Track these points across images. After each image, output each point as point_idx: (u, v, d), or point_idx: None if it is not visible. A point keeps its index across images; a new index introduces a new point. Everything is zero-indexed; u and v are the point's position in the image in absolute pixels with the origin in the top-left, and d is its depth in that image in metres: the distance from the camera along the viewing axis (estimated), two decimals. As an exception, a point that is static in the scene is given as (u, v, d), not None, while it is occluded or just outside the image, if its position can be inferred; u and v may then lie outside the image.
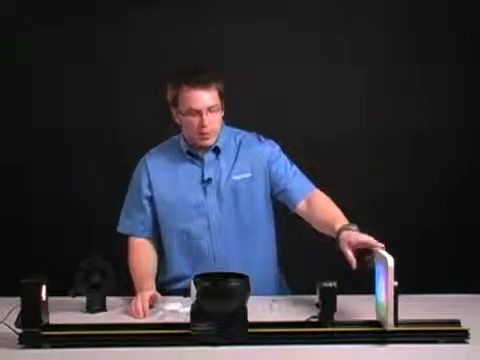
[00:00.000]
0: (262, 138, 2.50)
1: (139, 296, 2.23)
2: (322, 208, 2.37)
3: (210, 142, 2.40)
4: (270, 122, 3.03)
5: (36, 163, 3.45)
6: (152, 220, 2.48)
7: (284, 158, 2.48)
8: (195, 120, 2.33)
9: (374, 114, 3.44)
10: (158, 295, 2.31)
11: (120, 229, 2.52)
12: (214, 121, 2.36)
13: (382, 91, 3.44)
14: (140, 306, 2.18)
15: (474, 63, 3.42)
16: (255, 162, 2.44)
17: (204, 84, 2.31)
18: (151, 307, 2.22)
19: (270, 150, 2.47)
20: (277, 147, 2.50)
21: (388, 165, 3.44)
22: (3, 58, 3.42)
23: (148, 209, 2.47)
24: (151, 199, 2.46)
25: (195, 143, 2.41)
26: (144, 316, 2.16)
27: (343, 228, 2.17)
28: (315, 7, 3.40)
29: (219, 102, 2.36)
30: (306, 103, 3.39)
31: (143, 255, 2.47)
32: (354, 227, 2.18)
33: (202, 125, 2.33)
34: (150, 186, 2.46)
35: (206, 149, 2.42)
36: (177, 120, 2.41)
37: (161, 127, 2.66)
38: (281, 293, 2.47)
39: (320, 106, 3.42)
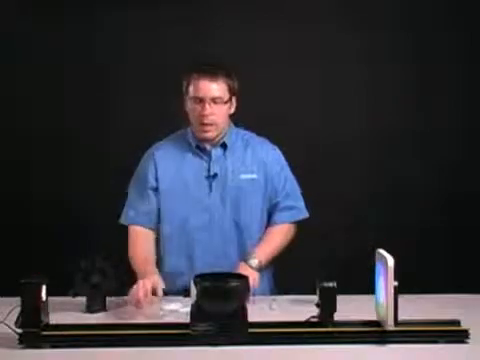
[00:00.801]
0: (269, 143, 2.51)
1: (140, 283, 2.16)
2: (267, 234, 2.45)
3: (210, 135, 2.40)
4: (270, 122, 3.03)
5: (36, 163, 3.45)
6: (156, 212, 2.45)
7: (284, 174, 2.48)
8: (198, 108, 2.34)
9: (374, 114, 3.44)
10: (161, 282, 2.22)
11: (123, 220, 2.48)
12: (217, 113, 2.36)
13: (382, 91, 3.44)
14: (141, 294, 2.12)
15: (474, 63, 3.42)
16: (261, 164, 2.45)
17: (212, 74, 2.35)
18: (154, 294, 2.16)
19: (272, 158, 2.47)
20: (278, 151, 2.51)
21: (388, 165, 3.44)
22: (3, 58, 3.42)
23: (153, 200, 2.44)
24: (156, 190, 2.44)
25: (197, 135, 2.41)
26: (148, 302, 2.11)
27: (243, 260, 2.35)
28: (315, 7, 3.40)
29: (226, 96, 2.36)
30: (306, 103, 3.39)
31: (145, 241, 2.43)
32: (251, 262, 2.34)
33: (202, 114, 2.34)
34: (156, 177, 2.44)
35: (213, 144, 2.43)
36: (186, 108, 2.41)
37: (161, 127, 2.66)
38: (276, 293, 2.47)
39: (320, 106, 3.42)
